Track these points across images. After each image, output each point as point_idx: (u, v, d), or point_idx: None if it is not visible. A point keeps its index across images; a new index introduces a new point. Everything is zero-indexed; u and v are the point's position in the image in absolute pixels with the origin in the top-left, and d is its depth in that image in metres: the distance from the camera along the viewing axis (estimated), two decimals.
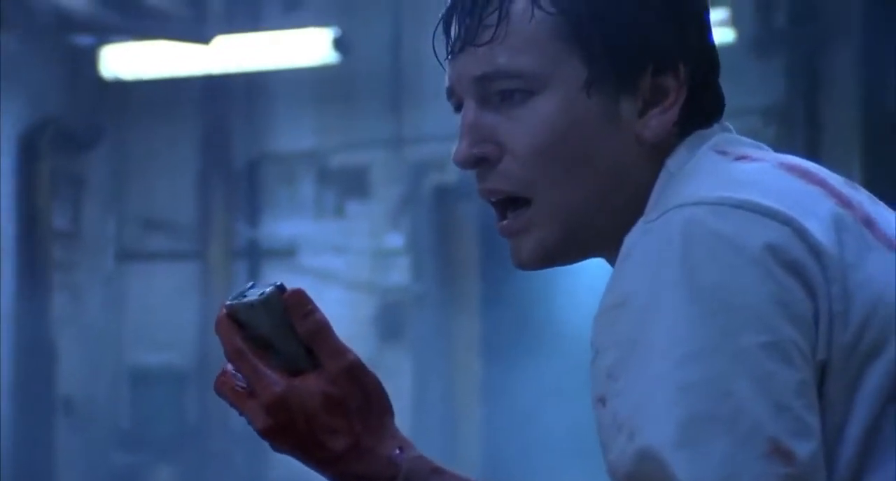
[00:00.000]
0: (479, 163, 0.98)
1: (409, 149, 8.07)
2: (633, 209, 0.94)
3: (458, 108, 1.00)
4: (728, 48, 7.04)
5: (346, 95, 7.99)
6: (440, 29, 1.00)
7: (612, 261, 1.00)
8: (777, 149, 0.99)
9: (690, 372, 0.81)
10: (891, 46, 3.78)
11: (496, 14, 0.96)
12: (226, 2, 7.59)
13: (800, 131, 6.49)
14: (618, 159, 0.97)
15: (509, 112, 0.97)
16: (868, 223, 0.91)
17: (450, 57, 1.00)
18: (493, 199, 1.00)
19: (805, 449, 0.80)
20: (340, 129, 8.07)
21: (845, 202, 0.91)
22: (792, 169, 0.93)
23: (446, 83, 1.01)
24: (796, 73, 6.73)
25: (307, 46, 7.54)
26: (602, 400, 0.85)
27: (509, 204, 0.99)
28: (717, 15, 6.95)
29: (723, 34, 7.02)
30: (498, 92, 0.97)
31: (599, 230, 0.98)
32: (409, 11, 7.59)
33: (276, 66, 7.67)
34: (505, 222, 0.99)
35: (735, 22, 6.99)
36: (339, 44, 7.47)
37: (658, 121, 0.97)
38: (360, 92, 7.87)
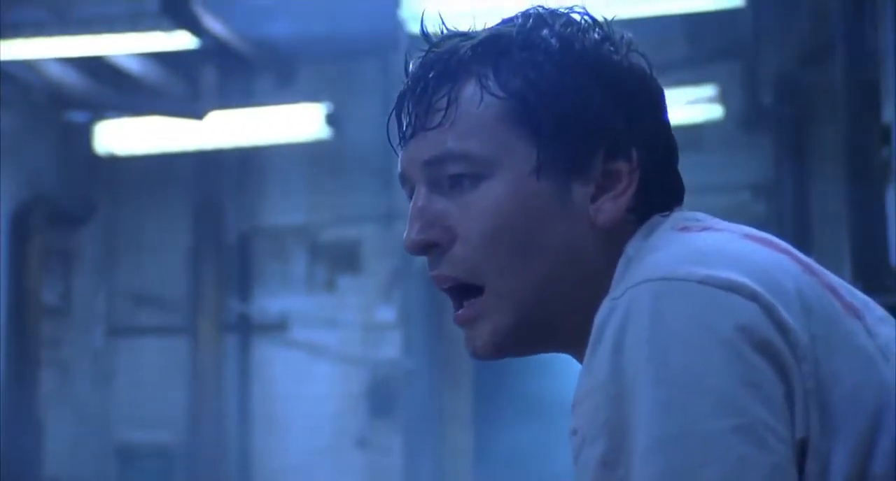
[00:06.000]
0: (429, 248, 0.96)
1: (401, 223, 8.08)
2: (590, 299, 0.91)
3: (411, 194, 0.98)
4: (716, 125, 7.12)
5: (338, 170, 8.04)
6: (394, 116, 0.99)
7: (575, 355, 0.97)
8: (766, 226, 0.97)
9: (656, 463, 0.79)
10: (876, 122, 3.83)
11: (445, 99, 0.96)
12: (219, 78, 7.67)
13: (788, 207, 6.54)
14: (571, 245, 0.94)
15: (459, 197, 0.96)
16: (833, 291, 0.89)
17: (402, 143, 0.99)
18: (444, 287, 0.97)
19: None
20: (332, 204, 8.10)
21: (811, 270, 0.90)
22: (757, 239, 0.91)
23: (398, 169, 1.00)
24: (783, 148, 6.80)
25: (299, 122, 7.61)
26: None
27: (463, 291, 0.97)
28: (704, 92, 7.04)
29: (711, 111, 7.10)
30: (448, 177, 0.96)
31: (555, 320, 0.96)
32: (400, 87, 7.67)
33: (269, 142, 7.73)
34: (459, 311, 0.97)
35: (723, 99, 7.09)
36: (331, 119, 7.54)
37: (611, 206, 0.95)
38: (351, 167, 7.93)
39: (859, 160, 3.82)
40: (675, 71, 6.40)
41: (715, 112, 7.09)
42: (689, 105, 6.85)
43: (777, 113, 6.78)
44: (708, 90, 7.04)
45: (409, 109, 0.99)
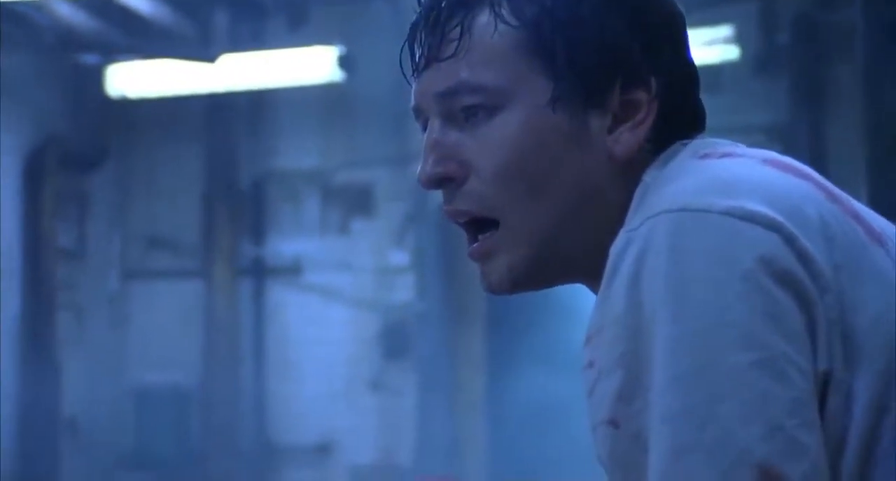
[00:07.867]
0: (444, 182, 0.95)
1: (414, 166, 8.03)
2: (607, 231, 0.89)
3: (425, 127, 0.96)
4: (732, 65, 7.05)
5: (351, 113, 8.00)
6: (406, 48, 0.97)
7: (591, 286, 0.96)
8: None
9: (675, 398, 0.78)
10: (893, 63, 3.78)
11: (458, 28, 0.93)
12: (230, 20, 7.62)
13: (804, 148, 6.49)
14: (588, 177, 0.93)
15: (474, 130, 0.93)
16: (857, 217, 0.87)
17: (415, 74, 0.97)
18: (460, 221, 0.96)
19: (797, 470, 0.77)
20: (345, 147, 8.08)
21: (834, 196, 0.88)
22: (778, 164, 0.89)
23: (412, 102, 0.97)
24: (800, 90, 6.74)
25: (312, 65, 7.56)
26: (614, 423, 0.82)
27: (478, 226, 0.95)
28: (721, 32, 6.96)
29: (727, 52, 7.03)
30: (462, 108, 0.94)
31: (572, 253, 0.94)
32: (413, 19, 7.60)
33: (281, 85, 7.69)
34: (474, 246, 0.95)
35: (739, 39, 7.01)
36: (343, 62, 7.49)
37: (629, 136, 0.93)
38: (364, 110, 7.89)
39: (877, 101, 3.78)
40: (691, 11, 6.32)
41: (731, 53, 7.02)
42: (706, 46, 6.78)
43: (794, 53, 6.71)
44: (724, 30, 6.97)
45: (421, 40, 0.96)
